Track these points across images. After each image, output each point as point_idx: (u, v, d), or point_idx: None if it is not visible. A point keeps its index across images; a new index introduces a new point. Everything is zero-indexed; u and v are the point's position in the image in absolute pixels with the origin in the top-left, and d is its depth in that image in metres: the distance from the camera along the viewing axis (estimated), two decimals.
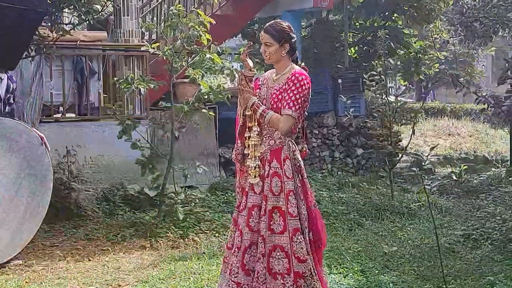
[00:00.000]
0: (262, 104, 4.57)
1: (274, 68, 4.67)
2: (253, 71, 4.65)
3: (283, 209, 4.43)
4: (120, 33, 9.70)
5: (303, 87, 4.44)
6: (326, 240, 4.86)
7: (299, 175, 4.52)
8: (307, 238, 4.50)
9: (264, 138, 4.56)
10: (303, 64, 4.68)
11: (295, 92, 4.42)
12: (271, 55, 4.56)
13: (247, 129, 4.65)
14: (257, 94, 4.65)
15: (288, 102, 4.41)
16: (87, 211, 7.92)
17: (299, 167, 4.52)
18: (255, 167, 4.52)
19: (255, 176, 4.52)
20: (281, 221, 4.43)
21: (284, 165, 4.47)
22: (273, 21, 4.64)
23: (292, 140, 4.54)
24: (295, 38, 4.62)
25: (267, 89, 4.60)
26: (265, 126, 4.53)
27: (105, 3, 7.63)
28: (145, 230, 7.51)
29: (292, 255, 4.41)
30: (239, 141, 4.72)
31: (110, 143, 8.97)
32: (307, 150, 4.84)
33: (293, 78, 4.45)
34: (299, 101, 4.42)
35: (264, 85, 4.66)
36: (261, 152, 4.54)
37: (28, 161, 6.45)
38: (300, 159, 4.54)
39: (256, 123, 4.58)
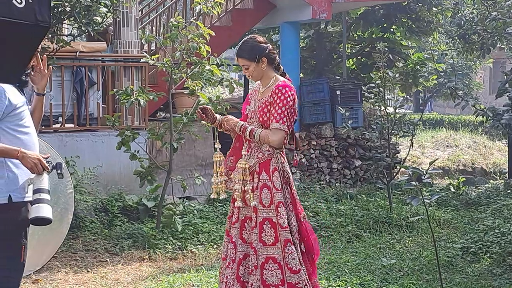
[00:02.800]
0: (251, 117, 4.61)
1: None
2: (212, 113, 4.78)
3: (273, 220, 4.45)
4: (119, 44, 9.72)
5: (288, 99, 4.46)
6: (320, 251, 4.89)
7: (288, 186, 4.55)
8: (299, 249, 4.52)
9: (253, 151, 4.58)
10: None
11: (280, 105, 4.45)
12: (252, 75, 4.57)
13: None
14: (247, 109, 4.69)
15: (275, 116, 4.45)
16: (86, 222, 7.91)
17: (288, 178, 4.55)
18: (239, 191, 4.53)
19: (251, 200, 4.52)
20: (272, 233, 4.45)
21: (272, 176, 4.49)
22: (242, 41, 4.59)
23: (280, 152, 4.56)
24: (269, 47, 4.56)
25: (255, 102, 4.63)
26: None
27: (105, 14, 7.62)
28: (144, 241, 7.51)
29: (284, 266, 4.43)
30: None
31: (109, 154, 8.99)
32: (296, 159, 4.86)
33: (277, 91, 4.47)
34: (286, 113, 4.45)
35: (253, 98, 4.69)
36: (250, 165, 4.56)
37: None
38: (288, 171, 4.57)
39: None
